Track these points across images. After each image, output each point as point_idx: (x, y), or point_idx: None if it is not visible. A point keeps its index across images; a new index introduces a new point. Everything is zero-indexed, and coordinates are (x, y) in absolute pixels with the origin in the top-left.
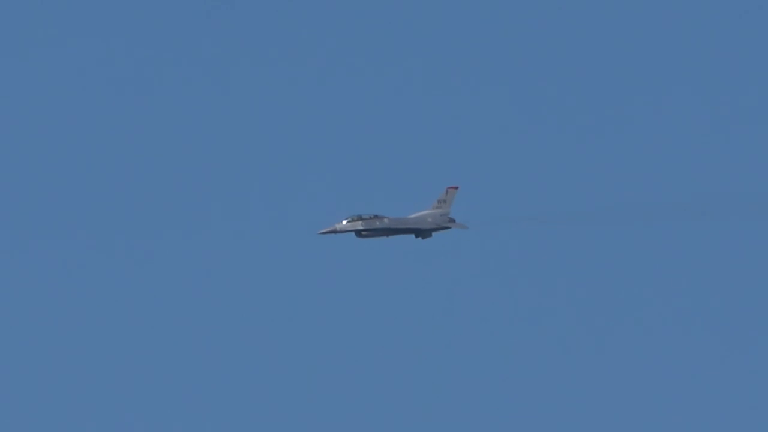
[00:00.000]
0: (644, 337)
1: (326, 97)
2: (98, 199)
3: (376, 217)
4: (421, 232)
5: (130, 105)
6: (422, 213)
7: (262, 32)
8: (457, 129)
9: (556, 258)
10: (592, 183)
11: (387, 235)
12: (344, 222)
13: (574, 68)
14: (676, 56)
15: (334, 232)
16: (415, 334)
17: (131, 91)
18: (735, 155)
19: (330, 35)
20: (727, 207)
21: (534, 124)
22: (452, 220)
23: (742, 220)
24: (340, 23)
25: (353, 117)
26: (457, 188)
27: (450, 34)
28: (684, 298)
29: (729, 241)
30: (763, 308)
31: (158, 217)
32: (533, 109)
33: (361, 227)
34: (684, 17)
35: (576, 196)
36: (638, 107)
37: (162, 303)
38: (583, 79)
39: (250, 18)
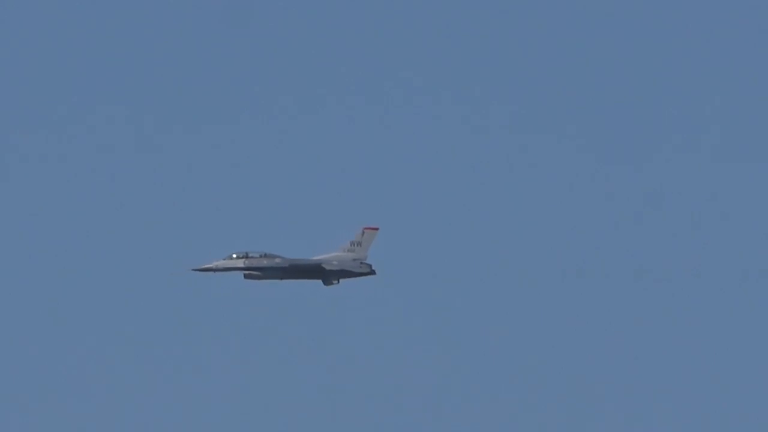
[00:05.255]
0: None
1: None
2: None
3: (266, 255)
4: (324, 276)
5: None
6: (329, 255)
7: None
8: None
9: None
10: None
11: (281, 278)
12: (224, 259)
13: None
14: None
15: (211, 270)
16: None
17: None
18: None
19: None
20: None
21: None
22: (367, 266)
23: None
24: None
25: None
26: (376, 229)
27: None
28: None
29: None
30: None
31: None
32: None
33: (243, 265)
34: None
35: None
36: None
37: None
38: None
39: None
